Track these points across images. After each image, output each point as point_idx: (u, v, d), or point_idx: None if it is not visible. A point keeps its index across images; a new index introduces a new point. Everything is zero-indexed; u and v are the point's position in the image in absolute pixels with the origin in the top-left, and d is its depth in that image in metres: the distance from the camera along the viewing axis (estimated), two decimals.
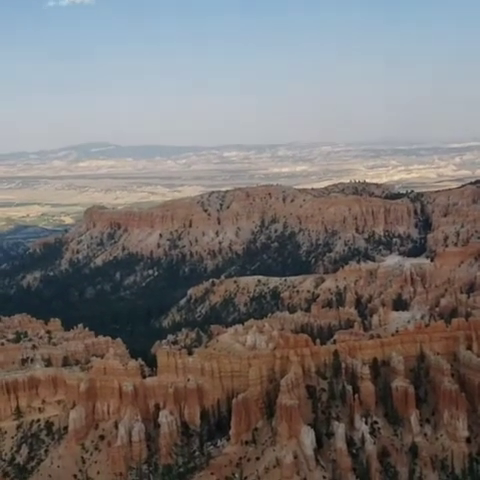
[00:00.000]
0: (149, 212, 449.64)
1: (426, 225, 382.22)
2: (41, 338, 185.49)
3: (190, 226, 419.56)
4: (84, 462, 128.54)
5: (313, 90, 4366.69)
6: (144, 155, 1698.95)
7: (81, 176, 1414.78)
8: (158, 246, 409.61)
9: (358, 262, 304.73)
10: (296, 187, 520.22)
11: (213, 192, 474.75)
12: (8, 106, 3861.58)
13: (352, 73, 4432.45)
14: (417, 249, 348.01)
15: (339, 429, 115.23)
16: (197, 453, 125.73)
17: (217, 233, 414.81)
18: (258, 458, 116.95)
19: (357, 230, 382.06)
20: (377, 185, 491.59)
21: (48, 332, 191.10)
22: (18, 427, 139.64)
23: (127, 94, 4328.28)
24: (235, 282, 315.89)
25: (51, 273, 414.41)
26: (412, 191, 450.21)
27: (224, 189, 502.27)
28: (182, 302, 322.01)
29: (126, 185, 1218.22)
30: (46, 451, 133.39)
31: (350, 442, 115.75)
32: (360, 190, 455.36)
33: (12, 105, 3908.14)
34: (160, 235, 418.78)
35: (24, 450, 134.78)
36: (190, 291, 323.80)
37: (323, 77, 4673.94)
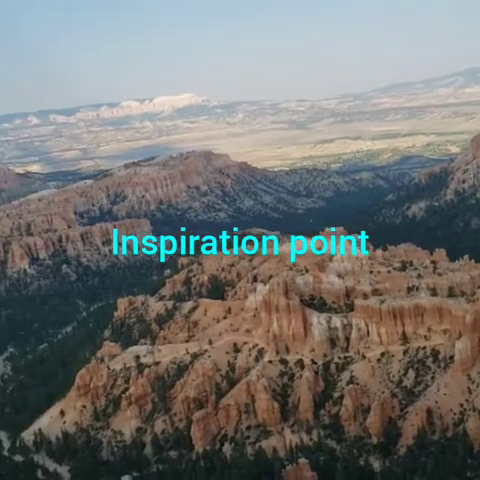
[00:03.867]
0: None
1: None
2: (426, 268, 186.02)
3: None
4: (470, 393, 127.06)
5: None
6: None
7: (468, 103, 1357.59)
8: None
9: None
10: None
11: None
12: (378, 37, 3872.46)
13: None
14: None
15: None
16: None
17: None
18: None
19: None
20: None
21: (433, 262, 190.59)
22: (405, 352, 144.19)
23: None
24: None
25: (436, 203, 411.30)
26: None
27: None
28: None
29: None
30: (432, 377, 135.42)
31: None
32: None
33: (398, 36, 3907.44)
34: None
35: (411, 374, 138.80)
36: None
37: None
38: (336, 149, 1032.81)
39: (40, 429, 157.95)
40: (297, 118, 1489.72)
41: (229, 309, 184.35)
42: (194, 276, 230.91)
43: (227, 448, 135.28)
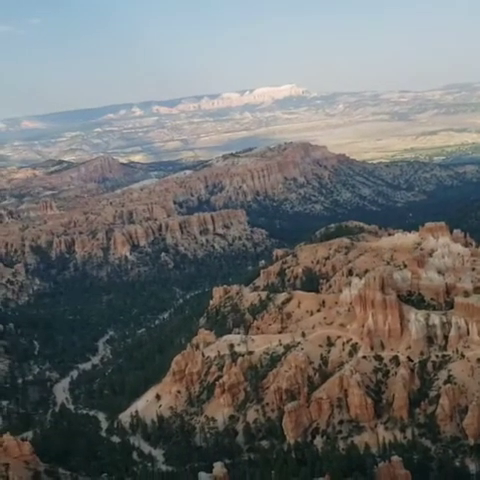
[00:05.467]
0: None
1: None
2: None
3: None
4: None
5: None
6: None
7: None
8: None
9: None
10: None
11: None
12: None
13: None
14: None
15: None
16: None
17: None
18: None
19: None
20: None
21: None
22: None
23: None
24: None
25: None
26: None
27: None
28: None
29: None
30: None
31: None
32: None
33: None
34: None
35: None
36: None
37: None
38: (439, 141, 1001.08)
39: (137, 412, 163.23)
40: (399, 109, 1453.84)
41: (323, 302, 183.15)
42: (288, 268, 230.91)
43: (318, 441, 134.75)
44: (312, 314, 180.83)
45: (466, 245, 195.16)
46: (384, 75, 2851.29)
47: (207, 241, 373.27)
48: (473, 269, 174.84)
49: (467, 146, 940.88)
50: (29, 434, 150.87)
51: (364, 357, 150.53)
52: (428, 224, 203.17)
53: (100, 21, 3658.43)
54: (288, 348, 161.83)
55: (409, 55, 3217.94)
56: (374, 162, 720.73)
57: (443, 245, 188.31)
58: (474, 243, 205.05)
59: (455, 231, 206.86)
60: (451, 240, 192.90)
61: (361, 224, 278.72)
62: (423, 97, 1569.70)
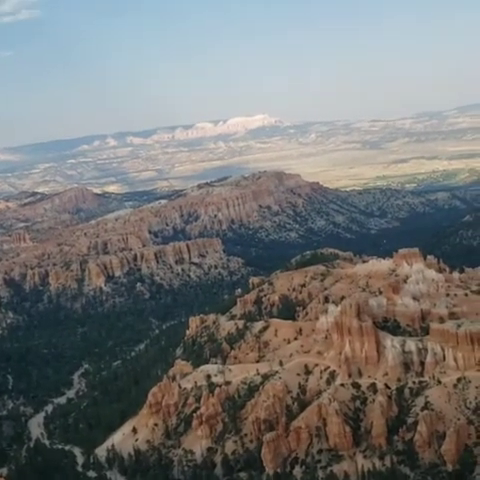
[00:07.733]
0: None
1: None
2: None
3: None
4: None
5: None
6: None
7: None
8: None
9: None
10: None
11: None
12: None
13: None
14: None
15: None
16: None
17: None
18: None
19: None
20: None
21: None
22: None
23: None
24: None
25: None
26: None
27: None
28: None
29: None
30: None
31: None
32: None
33: None
34: None
35: None
36: None
37: None
38: (411, 169, 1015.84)
39: (113, 445, 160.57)
40: (370, 138, 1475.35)
41: (300, 330, 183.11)
42: (265, 296, 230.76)
43: (298, 471, 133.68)
44: (289, 342, 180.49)
45: (440, 271, 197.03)
46: (355, 104, 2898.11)
47: (183, 270, 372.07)
48: (447, 295, 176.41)
49: (438, 173, 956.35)
50: (4, 470, 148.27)
51: (342, 385, 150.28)
52: (402, 250, 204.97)
53: (73, 53, 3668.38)
54: (266, 377, 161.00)
55: (379, 84, 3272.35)
56: (347, 190, 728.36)
57: (417, 271, 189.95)
58: (448, 269, 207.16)
59: (429, 257, 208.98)
60: (425, 266, 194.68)
61: (336, 251, 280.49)
62: (394, 126, 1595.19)
